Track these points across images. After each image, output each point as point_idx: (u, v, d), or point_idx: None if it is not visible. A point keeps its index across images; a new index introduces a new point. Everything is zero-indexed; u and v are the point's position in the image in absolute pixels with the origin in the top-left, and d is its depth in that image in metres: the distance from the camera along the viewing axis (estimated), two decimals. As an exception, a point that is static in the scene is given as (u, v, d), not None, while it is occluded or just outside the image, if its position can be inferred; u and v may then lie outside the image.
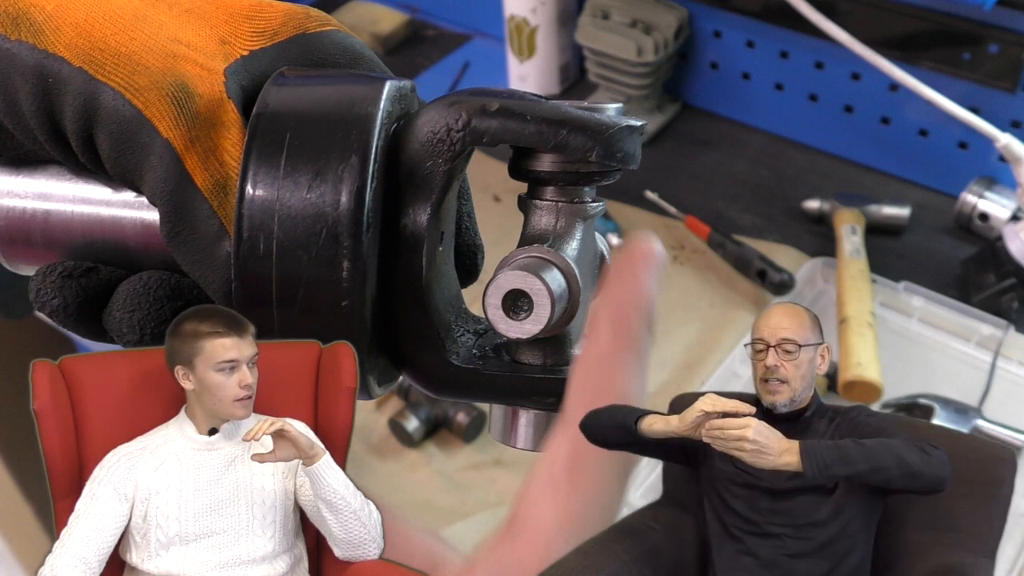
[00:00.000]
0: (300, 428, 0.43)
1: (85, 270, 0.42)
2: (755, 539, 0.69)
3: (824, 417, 0.70)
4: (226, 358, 0.42)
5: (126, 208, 0.43)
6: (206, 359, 0.42)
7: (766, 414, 0.70)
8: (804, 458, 0.57)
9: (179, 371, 0.43)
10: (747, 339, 0.70)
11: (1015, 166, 1.23)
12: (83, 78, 0.39)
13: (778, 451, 0.57)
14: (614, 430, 0.44)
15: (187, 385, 0.43)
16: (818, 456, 0.58)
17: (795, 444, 0.57)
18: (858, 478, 0.62)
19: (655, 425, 0.54)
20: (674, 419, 0.54)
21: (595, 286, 0.42)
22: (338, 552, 0.44)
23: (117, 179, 0.41)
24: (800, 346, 0.68)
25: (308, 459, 0.42)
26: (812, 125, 1.55)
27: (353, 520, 0.43)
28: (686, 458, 0.72)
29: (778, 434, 0.57)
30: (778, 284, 1.30)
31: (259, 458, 0.42)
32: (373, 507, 0.44)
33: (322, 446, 0.43)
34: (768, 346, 0.68)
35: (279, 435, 0.42)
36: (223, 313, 0.41)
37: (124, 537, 0.44)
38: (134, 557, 0.44)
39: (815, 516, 0.68)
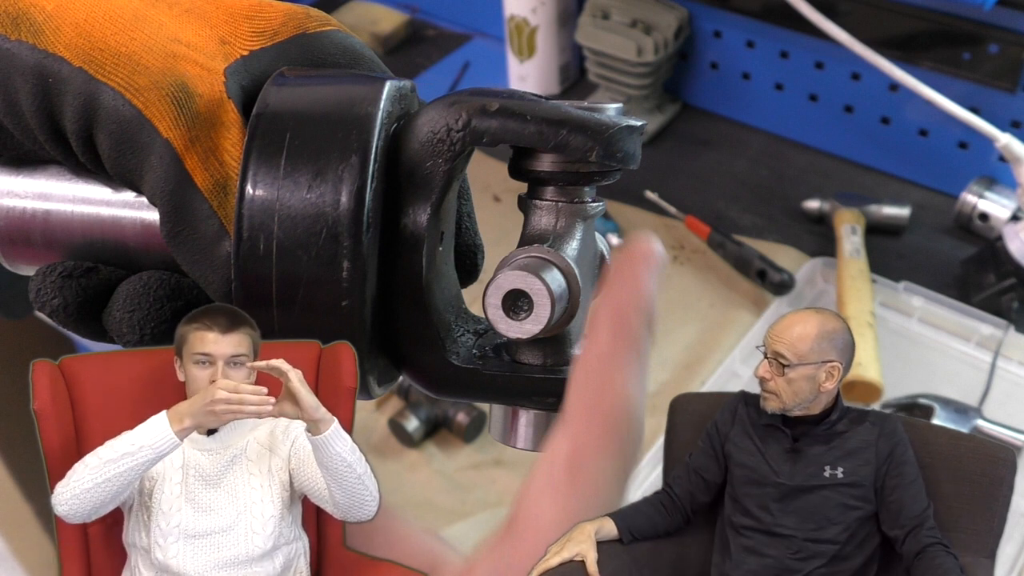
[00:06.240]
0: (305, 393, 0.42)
1: (85, 270, 0.42)
2: (762, 537, 0.69)
3: (845, 418, 0.70)
4: (200, 350, 0.42)
5: (126, 208, 0.43)
6: (188, 349, 0.43)
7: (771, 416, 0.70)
8: None
9: (176, 362, 0.43)
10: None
11: (1015, 166, 1.23)
12: (83, 78, 0.39)
13: None
14: None
15: (180, 377, 0.44)
16: None
17: None
18: None
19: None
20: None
21: (595, 286, 0.42)
22: (337, 514, 0.44)
23: (117, 179, 0.41)
24: (792, 365, 0.67)
25: (314, 424, 0.42)
26: (812, 125, 1.55)
27: (357, 484, 0.43)
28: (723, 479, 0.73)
29: None
30: (778, 284, 1.29)
31: (261, 412, 0.41)
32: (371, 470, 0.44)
33: (329, 414, 0.42)
34: (765, 355, 0.68)
35: (285, 392, 0.41)
36: (224, 312, 0.41)
37: (129, 521, 0.44)
38: (139, 543, 0.44)
39: (822, 519, 0.68)
